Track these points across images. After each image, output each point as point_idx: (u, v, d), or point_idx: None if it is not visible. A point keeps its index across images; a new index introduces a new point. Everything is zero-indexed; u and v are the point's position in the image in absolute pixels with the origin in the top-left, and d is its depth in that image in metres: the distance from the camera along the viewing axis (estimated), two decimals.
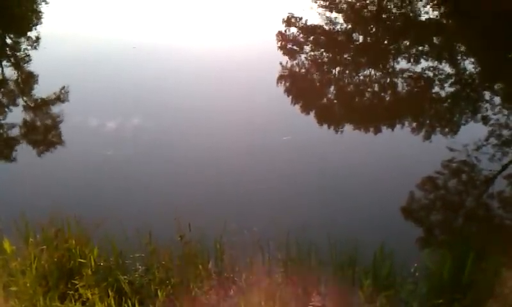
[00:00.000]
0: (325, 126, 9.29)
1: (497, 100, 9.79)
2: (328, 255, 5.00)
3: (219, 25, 14.23)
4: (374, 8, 14.39)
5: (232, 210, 6.37)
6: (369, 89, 10.66)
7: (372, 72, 11.30)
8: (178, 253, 4.94)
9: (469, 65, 11.32)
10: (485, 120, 9.14)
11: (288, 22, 13.80)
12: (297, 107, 9.96)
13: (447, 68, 11.01)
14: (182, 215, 5.07)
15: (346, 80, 11.18)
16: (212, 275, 4.80)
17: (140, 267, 4.98)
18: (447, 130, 9.11)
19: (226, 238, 5.13)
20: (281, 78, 11.09)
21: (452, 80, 10.54)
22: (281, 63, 11.66)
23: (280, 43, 13.01)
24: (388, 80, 10.89)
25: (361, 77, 11.16)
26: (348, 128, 9.28)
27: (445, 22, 13.56)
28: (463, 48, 12.03)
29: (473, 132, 8.75)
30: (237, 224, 5.35)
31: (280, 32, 13.36)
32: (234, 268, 4.91)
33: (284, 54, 12.42)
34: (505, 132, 8.76)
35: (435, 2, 14.34)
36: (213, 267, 4.94)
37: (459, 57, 11.66)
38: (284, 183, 7.22)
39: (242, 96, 9.77)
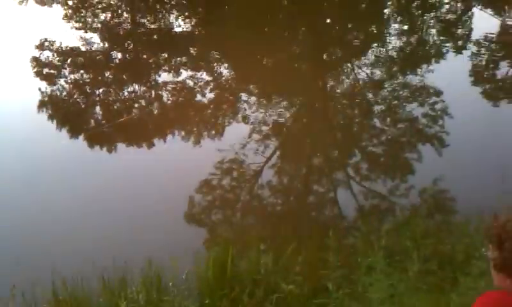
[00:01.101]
0: (94, 149, 9.12)
1: (253, 99, 10.65)
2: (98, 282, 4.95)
3: None
4: (129, 25, 14.46)
5: None
6: (135, 105, 10.68)
7: (136, 87, 11.34)
8: None
9: (224, 70, 12.09)
10: (245, 119, 9.86)
11: (41, 46, 13.07)
12: (61, 132, 9.58)
13: (205, 76, 11.60)
14: None
15: (111, 98, 11.04)
16: None
17: None
18: (213, 133, 9.62)
19: None
20: (42, 104, 10.54)
21: (211, 86, 11.15)
22: (40, 89, 11.06)
23: (35, 68, 12.27)
24: (153, 93, 11.04)
25: (126, 93, 11.12)
26: (121, 146, 9.21)
27: (197, 32, 14.25)
28: (216, 55, 12.80)
29: (237, 131, 9.38)
30: None
31: (34, 58, 12.59)
32: None
33: (42, 79, 11.78)
34: (264, 128, 9.55)
35: (186, 14, 14.97)
36: None
37: (215, 64, 12.36)
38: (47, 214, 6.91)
39: None
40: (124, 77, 11.97)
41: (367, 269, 4.60)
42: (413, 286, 4.57)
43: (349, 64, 12.19)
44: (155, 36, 13.75)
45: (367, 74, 11.41)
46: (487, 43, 12.40)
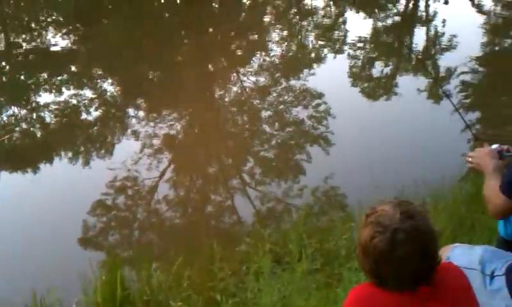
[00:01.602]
0: None
1: (141, 113, 10.50)
2: None
3: None
4: (2, 46, 13.71)
5: None
6: (16, 128, 10.10)
7: (16, 110, 10.77)
8: None
9: (109, 86, 11.81)
10: (135, 134, 9.69)
11: None
12: None
13: (89, 93, 11.25)
14: None
15: None
16: None
17: None
18: (103, 152, 9.36)
19: None
20: None
21: (96, 103, 10.84)
22: None
23: None
24: (35, 114, 10.55)
25: (5, 117, 10.50)
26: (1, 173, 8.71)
27: (76, 48, 13.78)
28: (99, 71, 12.50)
29: (127, 147, 9.20)
30: None
31: None
32: None
33: None
34: (155, 141, 9.45)
35: (65, 31, 14.47)
36: None
37: (98, 80, 12.04)
38: None
39: None
40: (1, 99, 11.32)
41: (255, 275, 4.70)
42: (303, 286, 4.73)
43: (234, 73, 12.41)
44: (32, 55, 13.13)
45: (252, 81, 11.68)
46: (362, 44, 13.20)
